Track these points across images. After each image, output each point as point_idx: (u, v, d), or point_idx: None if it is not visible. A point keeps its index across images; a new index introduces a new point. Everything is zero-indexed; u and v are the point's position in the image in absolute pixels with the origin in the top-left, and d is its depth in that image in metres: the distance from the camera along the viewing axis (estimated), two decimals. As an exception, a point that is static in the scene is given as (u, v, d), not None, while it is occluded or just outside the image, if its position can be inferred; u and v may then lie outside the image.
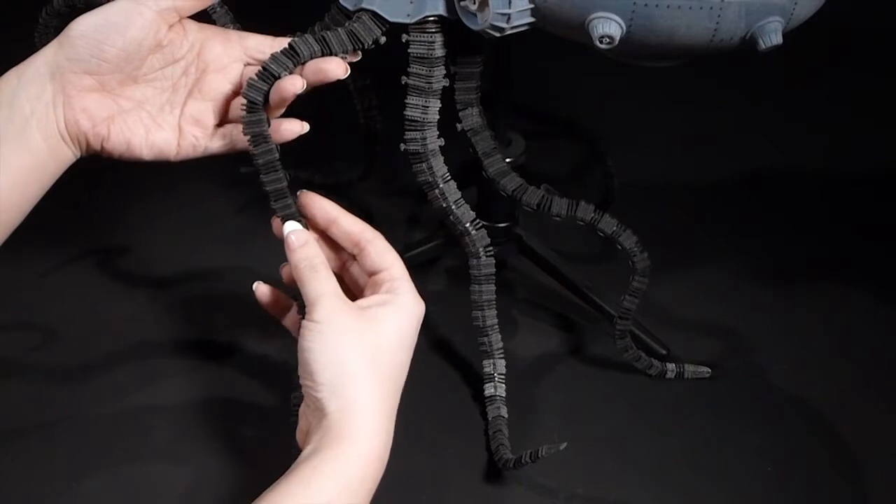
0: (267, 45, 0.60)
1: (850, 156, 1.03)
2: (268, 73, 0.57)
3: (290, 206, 0.59)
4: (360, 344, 0.54)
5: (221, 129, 0.61)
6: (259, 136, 0.57)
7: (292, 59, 0.57)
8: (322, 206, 0.60)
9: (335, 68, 0.57)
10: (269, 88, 0.57)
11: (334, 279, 0.56)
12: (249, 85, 0.57)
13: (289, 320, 0.62)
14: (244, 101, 0.57)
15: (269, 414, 0.74)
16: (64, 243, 0.89)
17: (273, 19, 0.67)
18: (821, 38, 0.83)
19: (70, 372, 0.77)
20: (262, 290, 0.62)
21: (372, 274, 0.58)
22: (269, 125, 0.58)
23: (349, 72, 0.58)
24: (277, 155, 0.58)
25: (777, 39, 0.55)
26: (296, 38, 0.58)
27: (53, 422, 0.73)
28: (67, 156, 0.58)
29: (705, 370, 0.77)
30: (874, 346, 0.80)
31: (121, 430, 0.73)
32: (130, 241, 0.91)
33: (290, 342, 0.80)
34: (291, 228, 0.58)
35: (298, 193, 0.60)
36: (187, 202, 0.96)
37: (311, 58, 0.58)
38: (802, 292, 0.85)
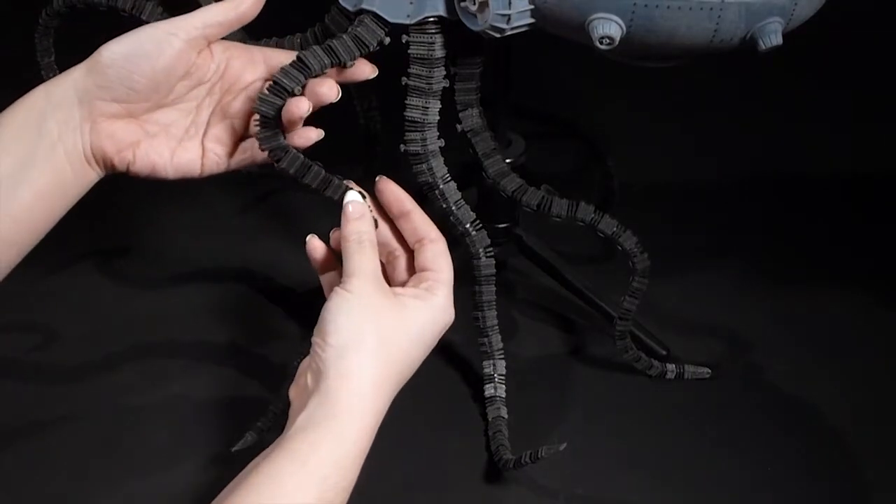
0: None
1: (850, 156, 1.03)
2: (279, 87, 0.56)
3: (340, 185, 0.59)
4: (379, 322, 0.54)
5: (242, 144, 0.61)
6: (278, 150, 0.57)
7: (302, 71, 0.57)
8: (399, 197, 0.60)
9: (327, 91, 0.58)
10: (283, 103, 0.56)
11: (377, 260, 0.57)
12: (261, 100, 0.56)
13: (326, 278, 0.62)
14: (256, 116, 0.57)
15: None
16: (64, 243, 0.88)
17: (273, 20, 0.67)
18: (821, 38, 0.83)
19: (70, 372, 0.77)
20: (315, 244, 0.61)
21: (420, 271, 0.59)
22: (285, 137, 0.58)
23: (340, 95, 0.59)
24: (302, 156, 0.58)
25: (777, 40, 0.55)
26: (304, 51, 0.57)
27: (53, 422, 0.73)
28: (91, 177, 0.59)
29: (705, 370, 0.77)
30: (874, 347, 0.80)
31: (121, 430, 0.73)
32: (131, 241, 0.91)
33: (289, 343, 0.80)
34: (351, 198, 0.59)
35: (377, 179, 0.61)
36: (189, 202, 0.95)
37: (322, 69, 0.58)
38: (802, 292, 0.85)
